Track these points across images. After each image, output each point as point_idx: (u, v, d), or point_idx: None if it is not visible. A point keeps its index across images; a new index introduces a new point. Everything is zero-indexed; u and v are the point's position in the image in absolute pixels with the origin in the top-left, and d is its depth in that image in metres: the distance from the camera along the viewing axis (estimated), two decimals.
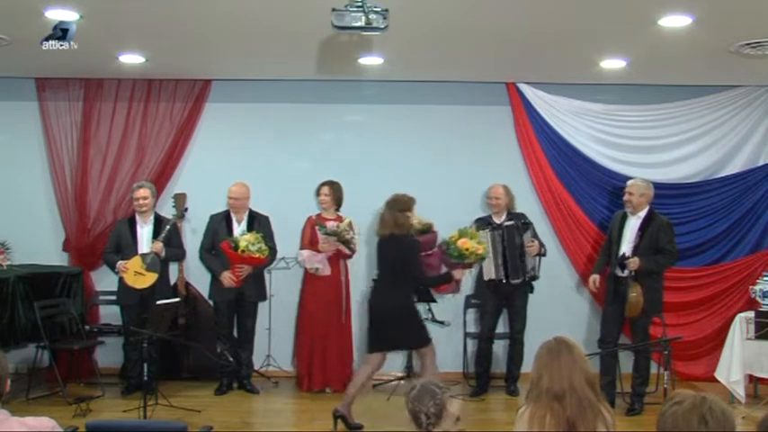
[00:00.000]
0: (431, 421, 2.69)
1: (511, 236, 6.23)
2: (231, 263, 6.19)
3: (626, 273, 5.76)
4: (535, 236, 6.33)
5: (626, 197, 6.00)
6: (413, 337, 5.45)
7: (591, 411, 2.65)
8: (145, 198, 6.26)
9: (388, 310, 5.33)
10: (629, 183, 6.08)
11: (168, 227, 6.21)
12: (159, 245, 6.15)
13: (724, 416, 2.13)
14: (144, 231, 6.29)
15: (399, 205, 5.46)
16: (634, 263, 5.72)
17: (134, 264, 6.13)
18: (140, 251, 6.20)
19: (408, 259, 5.34)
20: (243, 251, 6.05)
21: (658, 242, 5.82)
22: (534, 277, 6.30)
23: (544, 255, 6.40)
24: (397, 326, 5.32)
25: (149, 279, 6.10)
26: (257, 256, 6.12)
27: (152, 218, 6.34)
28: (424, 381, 2.80)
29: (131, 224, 6.33)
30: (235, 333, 6.52)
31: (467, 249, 5.46)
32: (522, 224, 6.28)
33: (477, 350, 6.54)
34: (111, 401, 6.02)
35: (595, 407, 2.66)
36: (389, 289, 5.38)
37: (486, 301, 6.48)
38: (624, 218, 6.02)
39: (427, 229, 6.22)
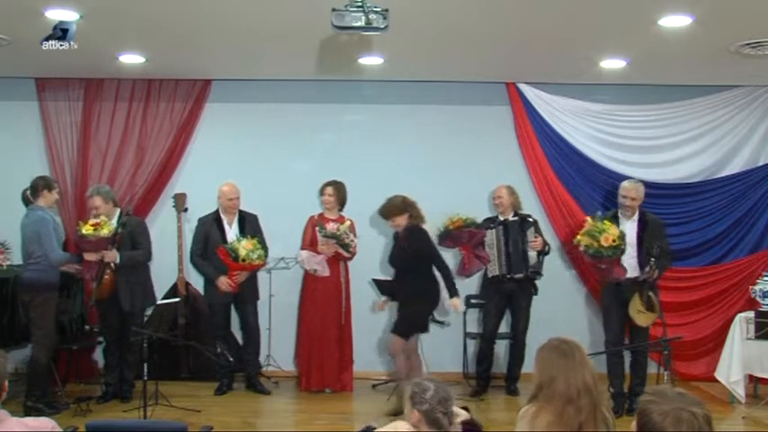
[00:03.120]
0: (450, 421, 2.70)
1: (513, 231, 6.27)
2: (229, 269, 6.16)
3: (642, 277, 5.67)
4: (539, 234, 6.34)
5: (628, 202, 5.78)
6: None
7: (599, 411, 2.66)
8: (98, 207, 5.89)
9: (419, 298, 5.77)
10: (628, 187, 5.82)
11: (120, 230, 5.75)
12: (112, 254, 5.74)
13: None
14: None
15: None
16: (654, 271, 5.61)
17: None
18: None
19: (433, 250, 5.85)
20: (244, 260, 6.01)
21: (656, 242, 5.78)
22: (537, 273, 6.30)
23: (548, 252, 6.42)
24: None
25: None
26: (258, 263, 6.11)
27: (115, 221, 5.89)
28: (436, 382, 2.80)
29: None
30: (240, 333, 6.53)
31: (614, 241, 5.50)
32: (525, 221, 6.30)
33: (479, 350, 6.55)
34: (111, 401, 6.01)
35: (599, 408, 2.67)
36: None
37: (489, 301, 6.48)
38: (615, 221, 5.81)
39: (474, 222, 6.24)
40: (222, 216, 6.37)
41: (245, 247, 6.04)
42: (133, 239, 5.94)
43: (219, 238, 6.23)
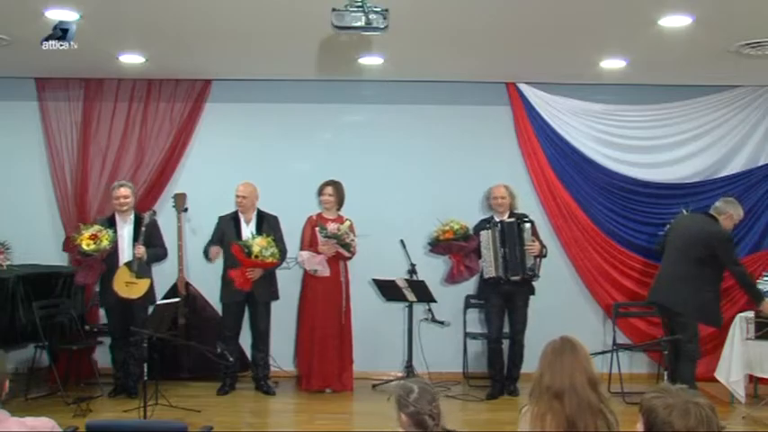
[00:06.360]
0: (436, 422, 2.69)
1: (510, 232, 6.24)
2: (242, 265, 6.16)
3: None
4: (536, 235, 6.33)
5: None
6: None
7: (590, 412, 2.64)
8: (126, 197, 6.13)
9: None
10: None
11: (144, 228, 6.05)
12: (141, 249, 6.00)
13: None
14: (125, 232, 6.14)
15: None
16: None
17: (122, 275, 5.97)
18: (121, 252, 6.06)
19: None
20: (256, 257, 6.03)
21: None
22: (534, 276, 6.29)
23: (545, 256, 6.38)
24: None
25: (143, 286, 5.97)
26: (270, 260, 6.11)
27: (132, 217, 6.19)
28: (420, 383, 2.78)
29: (110, 224, 6.13)
30: (249, 335, 6.53)
31: None
32: (522, 222, 6.29)
33: (489, 352, 6.52)
34: (111, 401, 6.02)
35: (596, 407, 2.66)
36: None
37: (489, 300, 6.46)
38: None
39: (465, 234, 6.28)
40: (240, 215, 6.42)
41: (258, 244, 6.06)
42: (151, 238, 6.13)
43: (234, 236, 6.26)
